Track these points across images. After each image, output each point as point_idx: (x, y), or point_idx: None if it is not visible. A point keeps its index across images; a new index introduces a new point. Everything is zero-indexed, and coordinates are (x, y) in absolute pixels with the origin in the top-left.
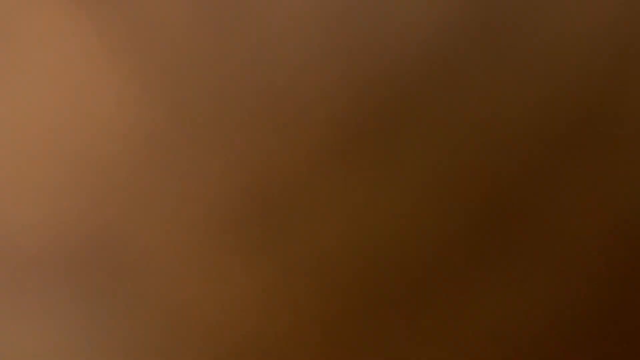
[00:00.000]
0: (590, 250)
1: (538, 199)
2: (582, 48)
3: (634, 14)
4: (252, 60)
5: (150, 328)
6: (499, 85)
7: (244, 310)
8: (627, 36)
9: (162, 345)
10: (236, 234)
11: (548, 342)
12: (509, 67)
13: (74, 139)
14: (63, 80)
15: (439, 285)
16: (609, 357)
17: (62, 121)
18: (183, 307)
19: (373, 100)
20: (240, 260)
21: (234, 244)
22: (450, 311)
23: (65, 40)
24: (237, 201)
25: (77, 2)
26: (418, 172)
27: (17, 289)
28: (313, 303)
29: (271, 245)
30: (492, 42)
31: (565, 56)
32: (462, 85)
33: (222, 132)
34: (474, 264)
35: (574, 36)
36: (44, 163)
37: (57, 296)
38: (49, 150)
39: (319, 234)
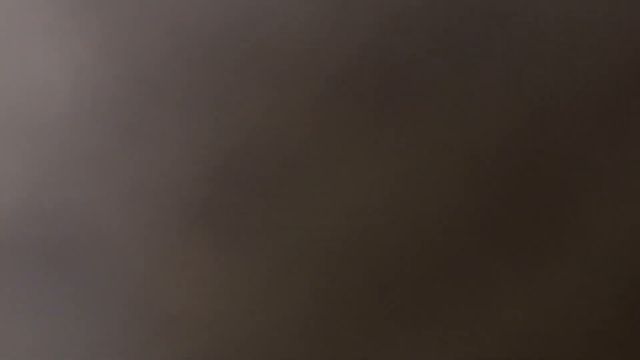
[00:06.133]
0: (614, 249)
1: (561, 194)
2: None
3: None
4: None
5: (119, 320)
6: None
7: (215, 302)
8: None
9: (130, 335)
10: (210, 220)
11: (564, 344)
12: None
13: (25, 110)
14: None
15: (443, 283)
16: None
17: (12, 89)
18: (152, 300)
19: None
20: (215, 249)
21: (207, 231)
22: (454, 310)
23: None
24: (211, 180)
25: None
26: (427, 146)
27: None
28: (301, 300)
29: (250, 233)
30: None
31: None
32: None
33: (194, 96)
34: (484, 258)
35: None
36: None
37: (22, 284)
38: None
39: (309, 222)
